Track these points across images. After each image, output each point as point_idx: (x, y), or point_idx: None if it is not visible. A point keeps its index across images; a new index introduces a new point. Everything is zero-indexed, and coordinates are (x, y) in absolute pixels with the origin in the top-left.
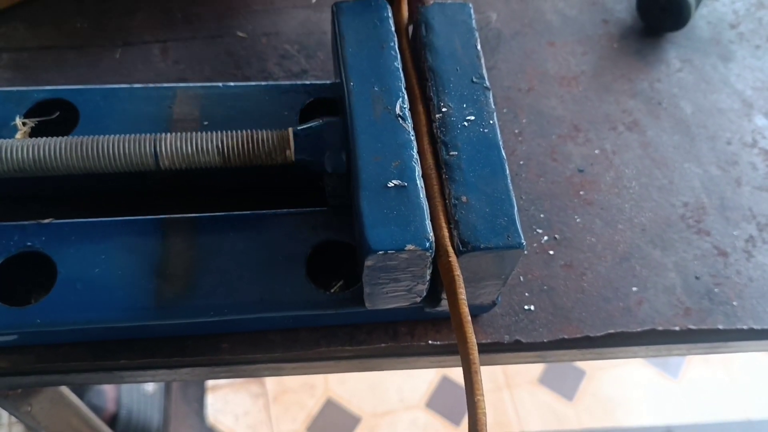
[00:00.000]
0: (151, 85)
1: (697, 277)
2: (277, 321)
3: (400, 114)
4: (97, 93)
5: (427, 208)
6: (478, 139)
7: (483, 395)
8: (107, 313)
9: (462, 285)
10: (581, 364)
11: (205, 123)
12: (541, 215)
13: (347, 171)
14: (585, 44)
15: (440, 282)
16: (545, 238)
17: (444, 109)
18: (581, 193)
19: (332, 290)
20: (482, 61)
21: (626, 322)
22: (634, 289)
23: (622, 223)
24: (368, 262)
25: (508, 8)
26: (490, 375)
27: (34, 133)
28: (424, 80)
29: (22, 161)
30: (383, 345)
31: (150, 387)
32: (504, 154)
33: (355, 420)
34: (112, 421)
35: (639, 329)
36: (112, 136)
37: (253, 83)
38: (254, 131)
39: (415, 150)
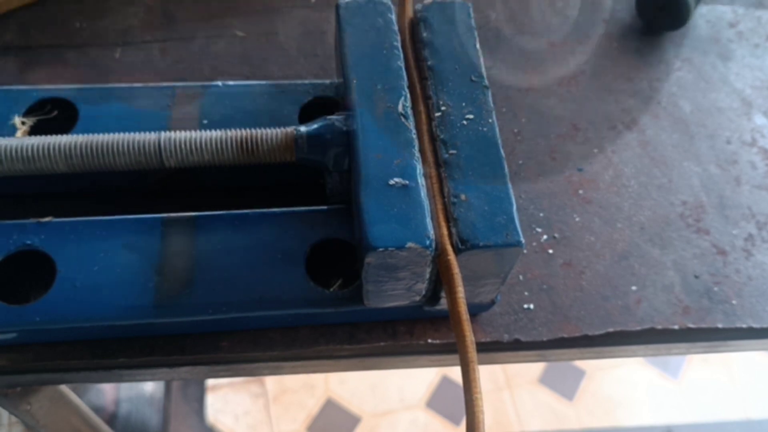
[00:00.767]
0: (150, 84)
1: (696, 276)
2: (277, 319)
3: (403, 113)
4: (96, 92)
5: (428, 206)
6: (477, 138)
7: (481, 394)
8: (106, 311)
9: (461, 283)
10: (581, 364)
11: (205, 122)
12: (540, 214)
13: (348, 169)
14: (584, 43)
15: (439, 280)
16: (544, 236)
17: (443, 108)
18: (580, 191)
19: (331, 288)
20: (481, 60)
21: (625, 321)
22: (633, 287)
23: (621, 221)
24: (369, 260)
25: (507, 7)
26: (491, 375)
27: (33, 132)
28: (424, 79)
29: (24, 160)
30: (382, 344)
31: (149, 387)
32: (503, 152)
33: (355, 420)
34: (112, 420)
35: (638, 328)
36: (116, 134)
37: (253, 82)
38: (257, 130)
39: (416, 148)
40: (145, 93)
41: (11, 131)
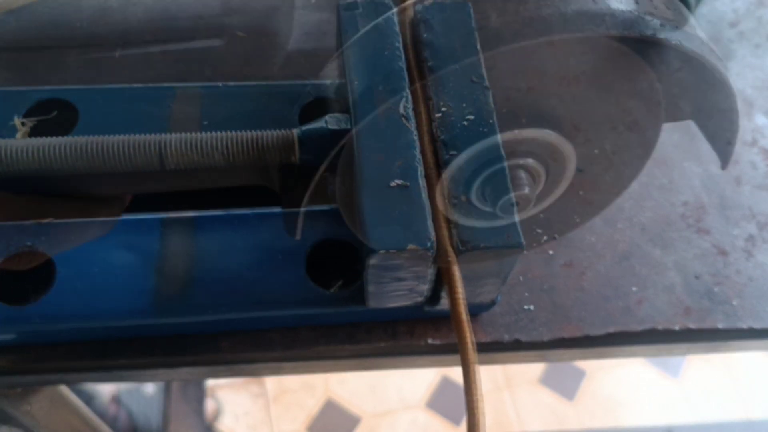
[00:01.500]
0: (151, 84)
1: (696, 277)
2: (277, 320)
3: (404, 114)
4: (96, 93)
5: (429, 208)
6: (477, 139)
7: (481, 395)
8: (106, 312)
9: (460, 284)
10: (582, 364)
11: (205, 123)
12: (541, 214)
13: (350, 170)
14: (585, 44)
15: (439, 281)
16: (545, 237)
17: (444, 109)
18: (581, 192)
19: (331, 289)
20: (482, 60)
21: (626, 322)
22: (634, 288)
23: (621, 222)
24: (371, 261)
25: (507, 7)
26: (491, 375)
27: (33, 133)
28: (425, 79)
29: (25, 161)
30: (382, 344)
31: (150, 387)
32: (503, 153)
33: (355, 420)
34: (112, 421)
35: (639, 328)
36: (117, 136)
37: (253, 83)
38: (258, 132)
39: (418, 150)
40: (146, 93)
41: (11, 132)
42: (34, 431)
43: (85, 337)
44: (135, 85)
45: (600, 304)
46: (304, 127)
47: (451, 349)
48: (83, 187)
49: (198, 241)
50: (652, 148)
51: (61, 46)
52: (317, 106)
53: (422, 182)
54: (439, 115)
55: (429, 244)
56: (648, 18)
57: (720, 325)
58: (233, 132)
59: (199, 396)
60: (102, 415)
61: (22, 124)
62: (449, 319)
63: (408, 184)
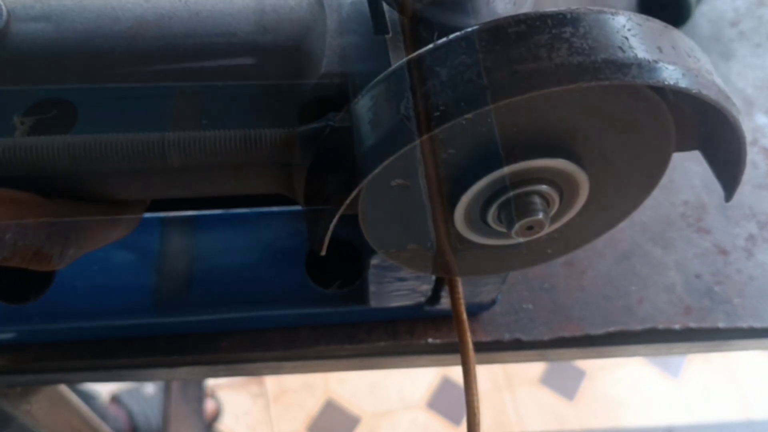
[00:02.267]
0: (150, 84)
1: (697, 276)
2: (277, 319)
3: (405, 114)
4: (96, 92)
5: (429, 207)
6: (474, 138)
7: (477, 395)
8: (106, 311)
9: (459, 284)
10: (582, 364)
11: (204, 122)
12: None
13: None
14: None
15: (440, 280)
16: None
17: (442, 108)
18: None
19: (331, 288)
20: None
21: (627, 321)
22: (635, 287)
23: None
24: (374, 261)
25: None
26: (491, 375)
27: (32, 132)
28: (425, 79)
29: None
30: (383, 343)
31: (150, 387)
32: (503, 152)
33: (355, 420)
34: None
35: (639, 328)
36: (118, 135)
37: (254, 82)
38: (259, 131)
39: (418, 150)
40: (145, 93)
41: (10, 131)
42: (34, 431)
43: (85, 336)
44: (135, 85)
45: (600, 304)
46: (303, 127)
47: (451, 348)
48: (103, 191)
49: (198, 241)
50: (661, 176)
51: (98, 57)
52: (317, 106)
53: (423, 182)
54: (438, 113)
55: (429, 245)
56: (671, 67)
57: (720, 325)
58: (233, 130)
59: (199, 396)
60: (102, 415)
61: (21, 122)
62: (449, 319)
63: (409, 183)
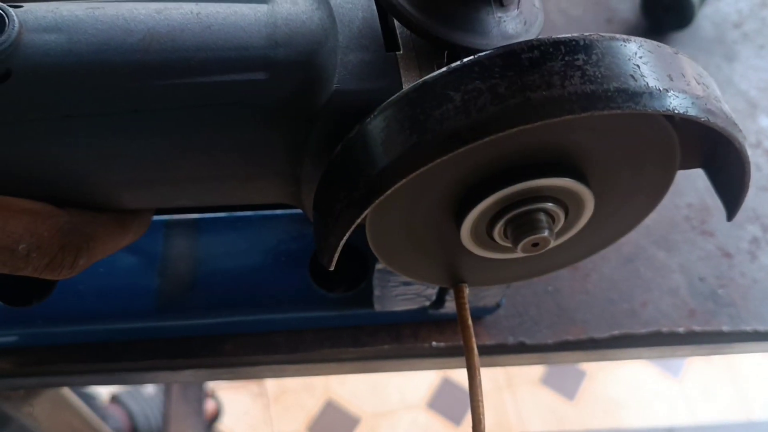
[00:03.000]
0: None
1: (701, 279)
2: (281, 322)
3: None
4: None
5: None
6: None
7: (482, 401)
8: (108, 314)
9: (465, 290)
10: (583, 365)
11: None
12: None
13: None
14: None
15: None
16: None
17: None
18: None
19: (335, 292)
20: None
21: (631, 324)
22: (639, 290)
23: None
24: (379, 265)
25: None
26: (491, 375)
27: None
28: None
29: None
30: (387, 347)
31: (150, 387)
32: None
33: (355, 420)
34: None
35: (644, 331)
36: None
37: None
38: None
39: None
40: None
41: None
42: None
43: (88, 339)
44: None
45: (604, 307)
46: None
47: (455, 351)
48: (114, 200)
49: (201, 243)
50: (664, 194)
51: (111, 69)
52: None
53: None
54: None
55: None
56: (681, 96)
57: (724, 328)
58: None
59: (199, 396)
60: (102, 415)
61: None
62: (453, 322)
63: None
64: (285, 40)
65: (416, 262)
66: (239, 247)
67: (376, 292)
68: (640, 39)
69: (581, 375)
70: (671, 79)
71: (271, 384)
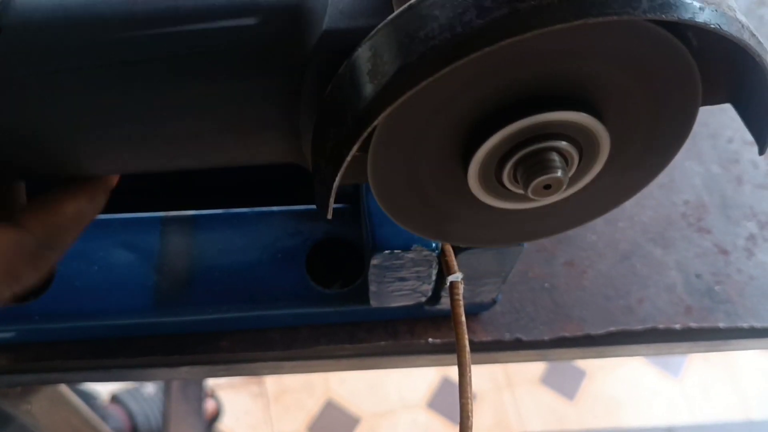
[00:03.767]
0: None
1: (698, 276)
2: (277, 319)
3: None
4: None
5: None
6: None
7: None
8: (105, 310)
9: (460, 286)
10: (582, 364)
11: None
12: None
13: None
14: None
15: (441, 281)
16: None
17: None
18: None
19: (332, 288)
20: None
21: (627, 321)
22: (635, 287)
23: (623, 221)
24: (374, 261)
25: None
26: (491, 374)
27: None
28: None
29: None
30: (383, 343)
31: (149, 387)
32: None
33: (355, 420)
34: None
35: (640, 327)
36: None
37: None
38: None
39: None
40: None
41: None
42: (34, 431)
43: (85, 335)
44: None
45: (601, 303)
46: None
47: (451, 348)
48: (104, 163)
49: (198, 240)
50: (687, 134)
51: (101, 21)
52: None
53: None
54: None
55: (434, 245)
56: (686, 1)
57: (721, 324)
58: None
59: (199, 396)
60: (102, 414)
61: None
62: (450, 319)
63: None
64: None
65: (415, 209)
66: (236, 243)
67: (372, 288)
68: None
69: (581, 374)
70: None
71: (271, 384)
